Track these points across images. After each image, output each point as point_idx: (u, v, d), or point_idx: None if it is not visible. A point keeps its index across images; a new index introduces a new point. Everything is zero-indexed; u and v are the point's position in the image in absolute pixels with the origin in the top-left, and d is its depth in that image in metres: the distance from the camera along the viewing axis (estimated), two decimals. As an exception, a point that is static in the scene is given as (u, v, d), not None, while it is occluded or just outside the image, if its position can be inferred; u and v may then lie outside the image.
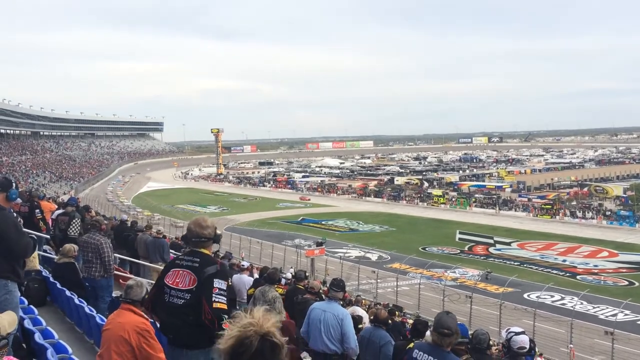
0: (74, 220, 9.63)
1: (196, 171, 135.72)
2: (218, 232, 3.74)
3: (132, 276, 10.32)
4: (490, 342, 4.94)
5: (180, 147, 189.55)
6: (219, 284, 3.49)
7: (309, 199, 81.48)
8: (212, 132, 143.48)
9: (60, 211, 10.56)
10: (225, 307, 3.47)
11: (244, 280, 9.10)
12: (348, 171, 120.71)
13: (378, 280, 33.99)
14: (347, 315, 5.52)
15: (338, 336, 5.38)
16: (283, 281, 9.74)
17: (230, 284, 3.67)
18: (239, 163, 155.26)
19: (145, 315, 3.99)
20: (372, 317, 6.73)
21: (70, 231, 9.47)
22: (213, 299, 3.44)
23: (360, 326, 6.57)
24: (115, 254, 10.82)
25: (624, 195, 66.61)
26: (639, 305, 29.24)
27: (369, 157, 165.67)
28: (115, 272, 9.48)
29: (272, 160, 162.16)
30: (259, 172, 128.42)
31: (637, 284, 35.79)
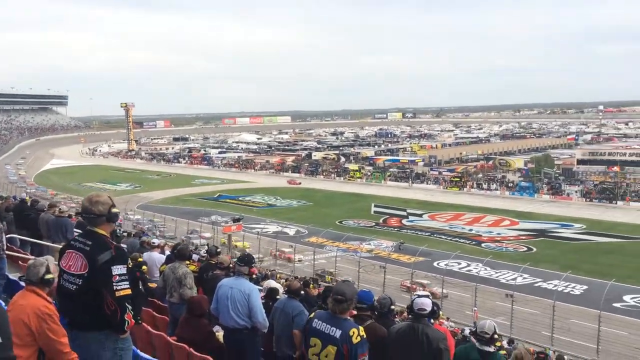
0: (-36, 200, 8.89)
1: (105, 147, 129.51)
2: (115, 210, 3.45)
3: (32, 257, 9.73)
4: (393, 307, 5.13)
5: (87, 122, 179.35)
6: (117, 270, 3.28)
7: (299, 183, 71.70)
8: (121, 106, 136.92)
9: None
10: (129, 292, 3.30)
11: (154, 258, 8.83)
12: (266, 147, 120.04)
13: (296, 254, 34.38)
14: (254, 290, 5.52)
15: (246, 311, 5.40)
16: (196, 257, 9.59)
17: (130, 265, 3.49)
18: (151, 139, 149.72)
19: (49, 299, 3.74)
20: (286, 289, 6.79)
21: (-39, 212, 8.73)
22: (115, 287, 3.24)
23: (277, 297, 6.62)
24: (15, 235, 10.17)
25: (525, 168, 71.12)
26: (535, 269, 31.59)
27: (286, 133, 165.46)
28: (15, 253, 8.91)
29: (187, 135, 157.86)
30: (173, 148, 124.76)
31: (535, 249, 38.63)
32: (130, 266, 3.48)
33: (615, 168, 60.46)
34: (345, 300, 3.78)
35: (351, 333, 3.68)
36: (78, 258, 3.36)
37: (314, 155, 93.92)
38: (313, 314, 4.12)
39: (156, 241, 10.05)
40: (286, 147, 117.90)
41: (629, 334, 22.91)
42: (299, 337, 5.32)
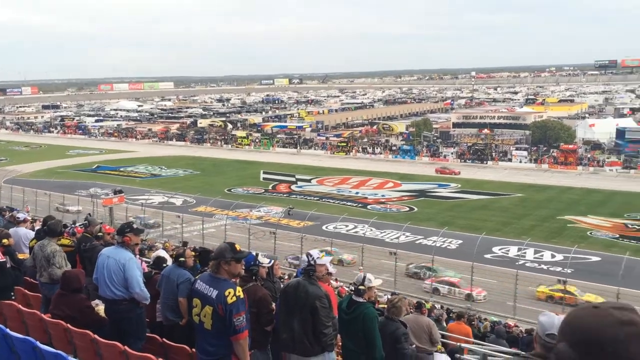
0: None
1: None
2: None
3: None
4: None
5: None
6: None
7: (459, 172, 52.66)
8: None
9: None
10: None
11: (20, 234, 8.20)
12: (147, 114, 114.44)
13: (183, 225, 33.48)
14: (130, 260, 5.29)
15: (121, 281, 5.18)
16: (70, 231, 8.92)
17: None
18: (17, 107, 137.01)
19: None
20: (173, 257, 6.71)
21: None
22: None
23: (164, 265, 6.53)
24: None
25: (406, 132, 74.43)
26: (416, 227, 33.49)
27: (169, 99, 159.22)
28: None
29: (58, 103, 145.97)
30: (42, 116, 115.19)
31: (416, 209, 40.88)
32: None
33: (486, 130, 65.21)
34: (215, 257, 3.91)
35: (226, 293, 3.73)
36: None
37: (200, 123, 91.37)
38: (199, 275, 4.13)
39: (22, 216, 9.26)
40: (170, 114, 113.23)
41: (497, 282, 25.15)
42: (185, 304, 5.21)
